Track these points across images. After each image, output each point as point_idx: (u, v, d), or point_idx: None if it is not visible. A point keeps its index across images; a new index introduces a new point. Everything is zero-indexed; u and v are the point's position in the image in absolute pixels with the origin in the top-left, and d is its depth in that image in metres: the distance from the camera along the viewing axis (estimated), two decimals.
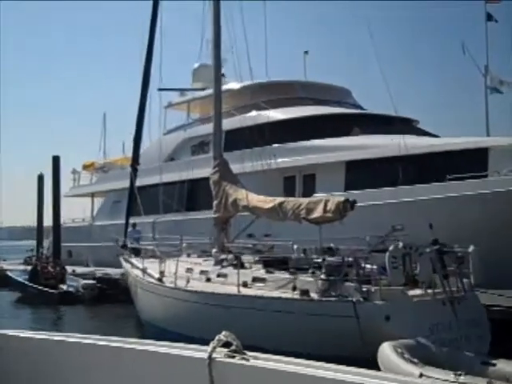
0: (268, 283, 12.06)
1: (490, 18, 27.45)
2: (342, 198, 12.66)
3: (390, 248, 10.32)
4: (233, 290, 12.14)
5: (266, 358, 3.49)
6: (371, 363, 8.63)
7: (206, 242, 17.27)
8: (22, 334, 4.68)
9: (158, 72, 21.11)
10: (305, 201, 13.61)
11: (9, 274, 27.61)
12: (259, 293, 11.72)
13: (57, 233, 29.02)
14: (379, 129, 21.89)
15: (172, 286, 13.65)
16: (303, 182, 22.39)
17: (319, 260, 11.84)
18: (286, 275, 11.89)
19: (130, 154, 36.39)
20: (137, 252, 19.99)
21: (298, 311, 10.77)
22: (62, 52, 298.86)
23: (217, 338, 3.56)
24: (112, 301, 22.29)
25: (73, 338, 4.39)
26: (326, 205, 12.68)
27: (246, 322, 11.16)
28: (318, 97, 25.30)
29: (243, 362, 3.45)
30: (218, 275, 13.59)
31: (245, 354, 3.49)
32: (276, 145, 22.26)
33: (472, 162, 17.28)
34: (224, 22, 18.68)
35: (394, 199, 17.44)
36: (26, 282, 25.02)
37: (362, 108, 26.54)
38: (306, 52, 27.89)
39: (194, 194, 25.11)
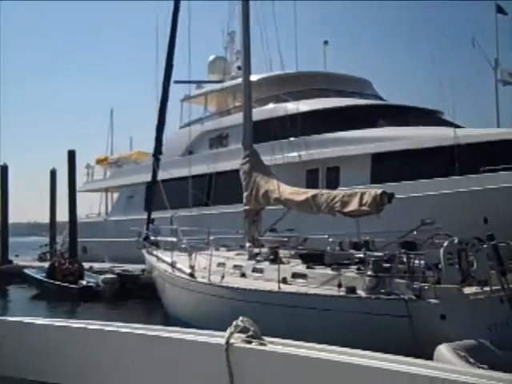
0: (309, 279, 11.55)
1: (500, 10, 27.13)
2: (380, 191, 12.15)
3: (445, 244, 9.79)
4: (271, 286, 11.65)
5: (282, 343, 3.60)
6: None
7: (232, 236, 16.94)
8: (38, 322, 4.76)
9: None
10: (339, 193, 13.13)
11: (26, 271, 27.18)
12: (302, 290, 11.22)
13: (73, 229, 28.63)
14: (404, 120, 21.50)
15: (206, 281, 13.13)
16: (326, 174, 21.95)
17: (361, 255, 11.48)
18: (329, 271, 11.42)
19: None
20: (157, 246, 19.68)
21: (344, 309, 10.27)
22: (64, 50, 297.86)
23: (234, 323, 3.66)
24: (133, 296, 21.96)
25: (94, 325, 4.47)
26: (361, 198, 12.23)
27: (287, 320, 10.74)
28: (339, 88, 24.89)
29: (260, 347, 3.54)
30: (254, 270, 13.07)
31: (262, 339, 3.60)
32: (299, 137, 21.85)
33: (508, 153, 16.85)
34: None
35: (432, 191, 17.03)
36: (45, 279, 24.62)
37: (382, 99, 26.08)
38: (326, 42, 27.36)
39: (215, 188, 24.67)
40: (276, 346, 3.56)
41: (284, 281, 11.62)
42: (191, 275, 13.94)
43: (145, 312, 20.29)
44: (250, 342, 3.58)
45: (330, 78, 25.33)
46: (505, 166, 16.34)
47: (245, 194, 15.98)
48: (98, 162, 36.69)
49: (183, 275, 14.38)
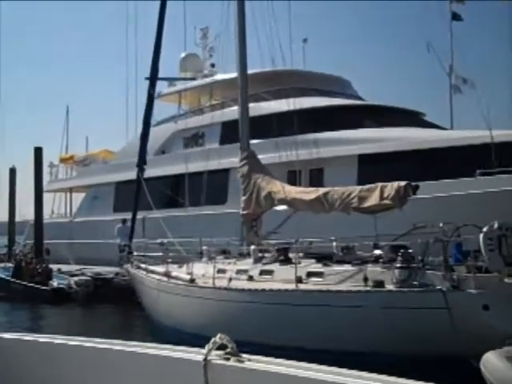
0: (327, 277, 10.94)
1: (455, 17, 27.17)
2: (403, 182, 11.69)
3: (485, 229, 9.34)
4: (286, 287, 11.04)
5: (260, 360, 3.46)
6: (471, 366, 7.79)
7: (224, 240, 16.29)
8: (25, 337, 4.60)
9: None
10: (355, 189, 12.56)
11: None
12: (323, 288, 10.64)
13: (39, 229, 27.48)
14: (387, 121, 21.23)
15: (210, 285, 12.41)
16: (310, 176, 21.44)
17: (378, 252, 11.07)
18: (349, 267, 10.90)
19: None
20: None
21: (373, 305, 9.78)
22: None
23: (212, 340, 3.54)
24: (106, 300, 20.96)
25: (59, 339, 4.35)
26: (382, 191, 11.73)
27: (309, 320, 10.31)
28: (319, 87, 24.48)
29: (238, 364, 3.43)
30: (261, 273, 12.37)
31: (240, 356, 3.49)
32: (280, 137, 21.33)
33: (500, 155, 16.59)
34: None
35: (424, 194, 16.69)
36: (12, 279, 23.36)
37: (361, 99, 25.78)
38: (305, 40, 26.88)
39: (190, 189, 23.94)
40: (254, 363, 3.43)
41: (299, 280, 10.99)
42: (191, 281, 13.21)
43: (121, 317, 19.51)
44: (228, 359, 3.48)
45: (309, 77, 24.87)
46: (502, 170, 16.09)
47: (243, 198, 15.34)
48: (63, 160, 35.34)
49: (182, 282, 13.59)
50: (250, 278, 12.30)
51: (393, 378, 3.13)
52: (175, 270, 14.49)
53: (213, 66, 29.96)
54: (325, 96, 23.67)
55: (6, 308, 21.73)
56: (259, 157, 19.04)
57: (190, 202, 23.54)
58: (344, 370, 3.19)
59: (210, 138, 25.21)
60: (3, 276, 24.25)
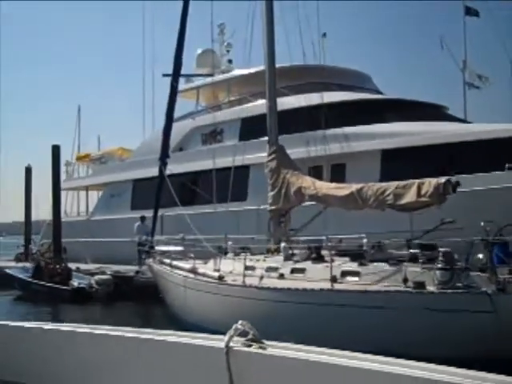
0: (363, 277, 10.67)
1: (468, 11, 26.79)
2: (443, 179, 11.35)
3: None
4: (320, 286, 10.73)
5: (282, 346, 3.47)
6: None
7: (248, 237, 16.01)
8: (45, 327, 4.65)
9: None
10: (391, 185, 12.18)
11: (8, 271, 25.70)
12: (360, 287, 10.34)
13: (57, 228, 27.23)
14: (412, 115, 20.85)
15: (240, 283, 12.14)
16: (331, 172, 21.11)
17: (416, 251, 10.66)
18: (387, 267, 10.57)
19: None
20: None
21: (414, 307, 9.50)
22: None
23: (233, 327, 3.53)
24: (127, 299, 20.76)
25: (83, 328, 4.40)
26: (419, 188, 11.40)
27: (344, 321, 10.04)
28: (340, 82, 24.09)
29: (260, 350, 3.42)
30: (293, 271, 12.06)
31: (262, 342, 3.48)
32: (302, 132, 21.06)
33: None
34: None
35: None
36: (32, 280, 23.16)
37: (381, 93, 25.40)
38: (324, 34, 26.39)
39: (210, 186, 23.66)
40: (276, 349, 3.47)
41: (334, 279, 10.73)
42: (220, 278, 12.95)
43: (144, 315, 19.28)
44: (249, 346, 3.51)
45: (330, 72, 24.44)
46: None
47: (271, 193, 15.02)
48: (79, 158, 35.17)
49: (210, 279, 13.33)
50: (281, 276, 12.04)
51: (406, 361, 3.13)
52: (201, 267, 14.27)
53: (230, 61, 29.70)
54: (346, 91, 23.32)
55: (27, 308, 21.54)
56: (290, 150, 18.82)
57: (209, 200, 23.35)
58: (369, 356, 3.17)
59: (228, 134, 24.94)
60: (23, 277, 24.03)
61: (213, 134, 25.71)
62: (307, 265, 12.04)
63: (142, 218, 23.78)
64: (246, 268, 12.64)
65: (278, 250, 13.71)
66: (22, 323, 4.85)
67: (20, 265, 28.47)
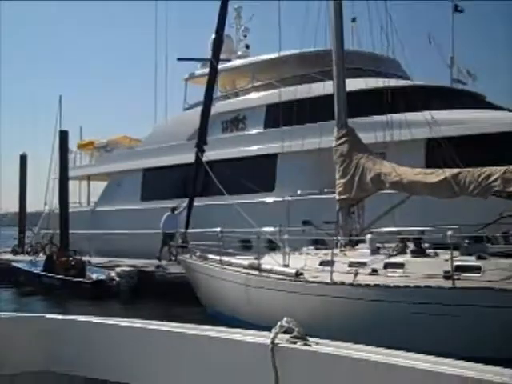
0: (486, 272, 9.45)
1: (456, 8, 26.24)
2: None
3: None
4: (428, 282, 9.58)
5: (328, 343, 3.44)
6: None
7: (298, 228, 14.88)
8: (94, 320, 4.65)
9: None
10: (497, 169, 11.04)
11: (16, 265, 24.18)
12: (486, 284, 9.17)
13: (65, 218, 25.79)
14: (455, 103, 19.89)
15: (327, 280, 10.79)
16: None
17: None
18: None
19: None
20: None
21: None
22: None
23: (278, 324, 3.54)
24: (149, 294, 19.41)
25: (125, 322, 4.43)
26: None
27: (464, 323, 9.00)
28: (375, 68, 23.02)
29: (306, 347, 3.41)
30: (387, 266, 10.79)
31: (307, 339, 3.48)
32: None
33: None
34: None
35: None
36: (47, 273, 21.56)
37: (411, 80, 24.31)
38: (354, 19, 25.23)
39: (233, 176, 22.40)
40: (321, 346, 3.34)
41: (447, 276, 9.53)
42: (297, 275, 11.53)
43: (178, 311, 17.71)
44: (295, 343, 3.40)
45: (362, 57, 23.36)
46: None
47: (341, 181, 13.68)
48: (81, 146, 33.43)
49: (285, 277, 11.88)
50: (375, 272, 10.75)
51: (456, 362, 2.96)
52: (263, 262, 12.91)
53: (247, 47, 28.47)
54: (380, 77, 22.16)
55: (47, 303, 20.18)
56: (314, 140, 17.63)
57: (233, 190, 22.07)
58: (422, 356, 3.04)
59: (252, 121, 23.72)
60: (35, 270, 22.60)
61: (234, 122, 24.44)
62: (405, 259, 10.81)
63: (173, 209, 22.44)
64: (321, 263, 11.41)
65: (351, 244, 12.50)
66: (70, 316, 4.82)
67: (18, 257, 27.16)
